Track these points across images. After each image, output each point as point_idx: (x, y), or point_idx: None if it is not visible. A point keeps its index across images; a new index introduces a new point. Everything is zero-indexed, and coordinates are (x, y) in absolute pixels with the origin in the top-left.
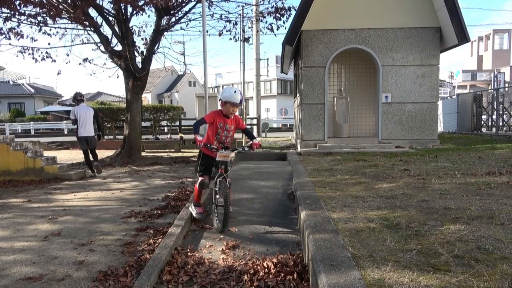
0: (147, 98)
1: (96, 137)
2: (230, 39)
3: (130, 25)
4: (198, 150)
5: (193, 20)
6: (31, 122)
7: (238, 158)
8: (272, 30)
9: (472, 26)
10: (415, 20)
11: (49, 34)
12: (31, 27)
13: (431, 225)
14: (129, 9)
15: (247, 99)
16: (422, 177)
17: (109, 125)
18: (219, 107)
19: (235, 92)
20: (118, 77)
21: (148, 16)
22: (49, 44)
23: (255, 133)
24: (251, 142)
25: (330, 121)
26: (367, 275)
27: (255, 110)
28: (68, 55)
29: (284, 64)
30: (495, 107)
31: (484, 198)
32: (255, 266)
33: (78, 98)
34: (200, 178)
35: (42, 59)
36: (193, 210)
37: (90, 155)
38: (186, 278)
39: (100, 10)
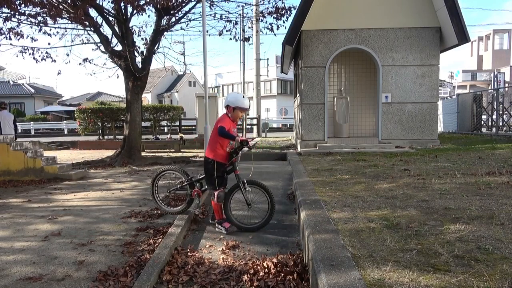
0: (147, 98)
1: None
2: (230, 39)
3: (130, 25)
4: (197, 150)
5: (193, 20)
6: (31, 122)
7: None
8: (272, 30)
9: (472, 26)
10: (415, 20)
11: (49, 34)
12: (31, 27)
13: (431, 225)
14: (129, 9)
15: None
16: (422, 177)
17: (109, 125)
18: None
19: (243, 97)
20: (118, 77)
21: (148, 16)
22: (49, 44)
23: (255, 133)
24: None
25: (330, 121)
26: (367, 275)
27: (255, 110)
28: (68, 55)
29: (284, 64)
30: (495, 107)
31: (484, 198)
32: (255, 266)
33: (2, 106)
34: (217, 192)
35: (42, 59)
36: (222, 229)
37: None
38: (186, 278)
39: (100, 10)
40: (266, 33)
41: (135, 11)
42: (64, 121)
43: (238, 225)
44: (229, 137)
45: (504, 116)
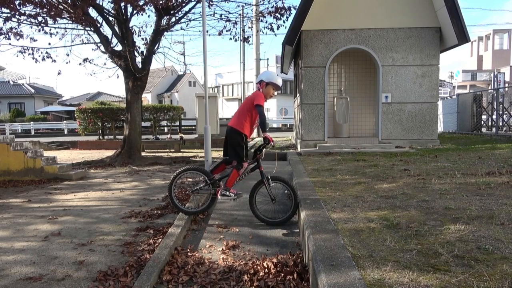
0: (147, 98)
1: None
2: (230, 39)
3: (130, 25)
4: (197, 150)
5: (193, 20)
6: (31, 122)
7: None
8: (272, 29)
9: (472, 26)
10: (415, 20)
11: (49, 34)
12: (31, 27)
13: (431, 225)
14: (129, 9)
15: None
16: (422, 177)
17: (109, 125)
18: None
19: (277, 75)
20: (118, 77)
21: (148, 16)
22: (49, 44)
23: (254, 133)
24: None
25: (330, 121)
26: (367, 275)
27: None
28: (68, 55)
29: (284, 64)
30: (495, 107)
31: (484, 198)
32: (255, 266)
33: None
34: (247, 164)
35: (42, 59)
36: (231, 195)
37: None
38: (186, 278)
39: (100, 10)
40: (266, 33)
41: (135, 11)
42: (64, 121)
43: (263, 219)
44: (263, 123)
45: (504, 116)
